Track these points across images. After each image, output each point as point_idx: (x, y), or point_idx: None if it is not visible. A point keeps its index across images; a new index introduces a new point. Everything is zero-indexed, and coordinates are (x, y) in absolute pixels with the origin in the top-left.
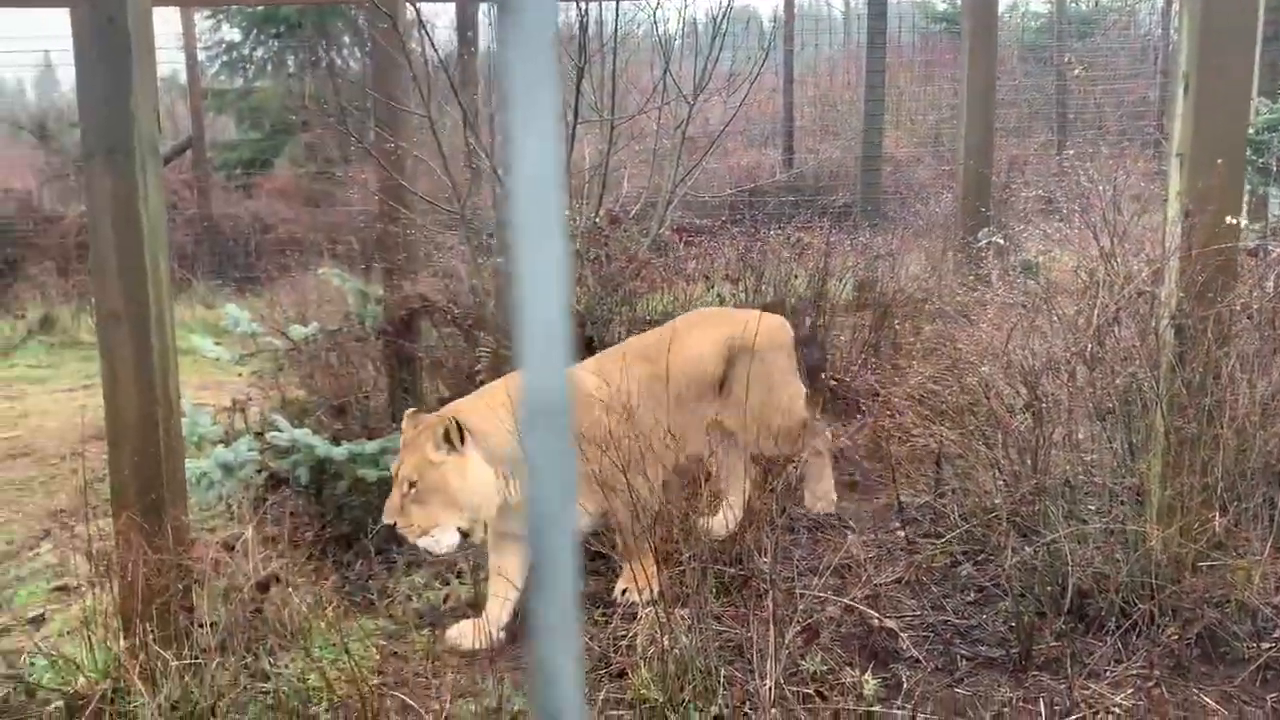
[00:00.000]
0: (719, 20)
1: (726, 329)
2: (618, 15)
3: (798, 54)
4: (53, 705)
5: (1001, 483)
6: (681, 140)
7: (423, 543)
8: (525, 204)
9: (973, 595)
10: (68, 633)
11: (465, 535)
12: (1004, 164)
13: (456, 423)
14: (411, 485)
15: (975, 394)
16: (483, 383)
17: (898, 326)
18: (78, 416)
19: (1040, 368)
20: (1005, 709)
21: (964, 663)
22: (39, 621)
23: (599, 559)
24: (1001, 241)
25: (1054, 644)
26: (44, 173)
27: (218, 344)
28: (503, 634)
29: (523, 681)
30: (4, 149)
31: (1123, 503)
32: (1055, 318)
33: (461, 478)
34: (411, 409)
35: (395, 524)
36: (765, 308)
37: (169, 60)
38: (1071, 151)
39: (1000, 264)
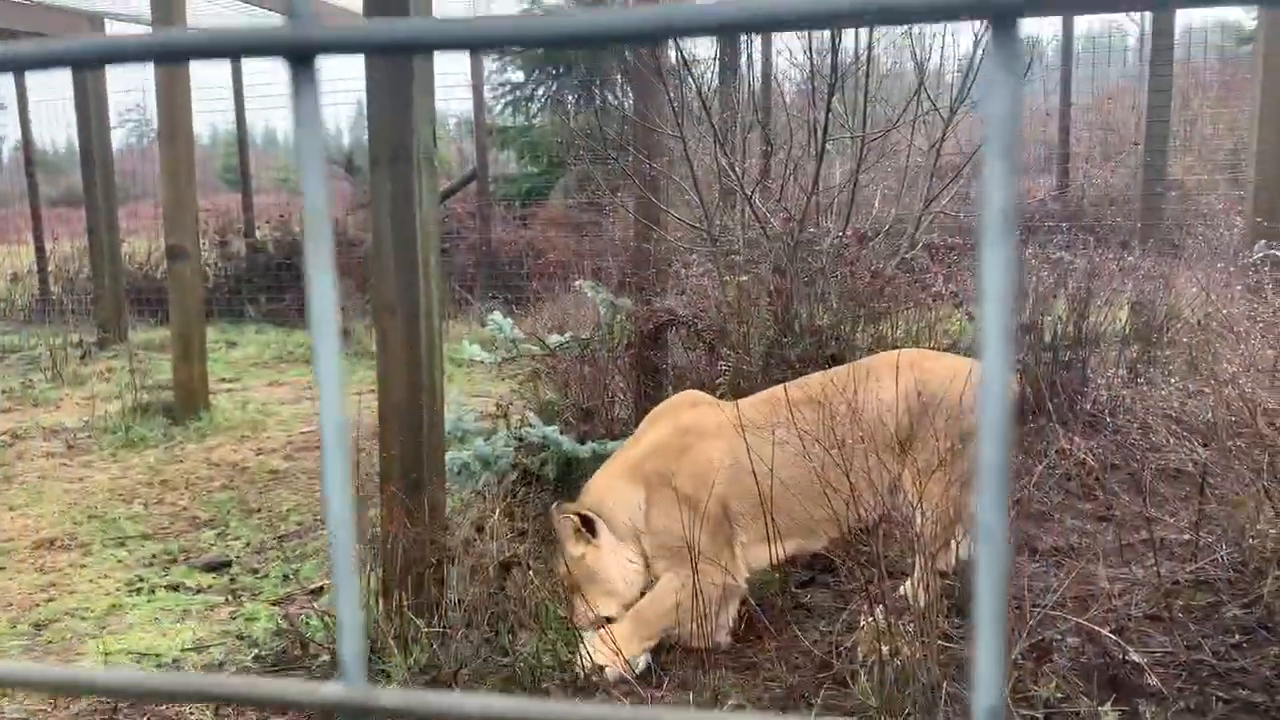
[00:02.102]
0: (979, 37)
1: (919, 375)
2: (872, 33)
3: (1083, 83)
4: (321, 658)
5: (1270, 510)
6: (935, 159)
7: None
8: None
9: (1237, 637)
10: None
11: (610, 620)
12: None
13: (581, 517)
14: (570, 580)
15: (1240, 412)
16: (722, 396)
17: (1154, 340)
18: (362, 416)
19: None
20: None
21: (1219, 705)
22: (318, 592)
23: (826, 570)
24: (1279, 254)
25: None
26: (350, 202)
27: (484, 350)
28: (728, 636)
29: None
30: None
31: None
32: None
33: (602, 566)
34: (556, 503)
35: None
36: (1021, 329)
37: (460, 97)
38: None
39: (1277, 276)
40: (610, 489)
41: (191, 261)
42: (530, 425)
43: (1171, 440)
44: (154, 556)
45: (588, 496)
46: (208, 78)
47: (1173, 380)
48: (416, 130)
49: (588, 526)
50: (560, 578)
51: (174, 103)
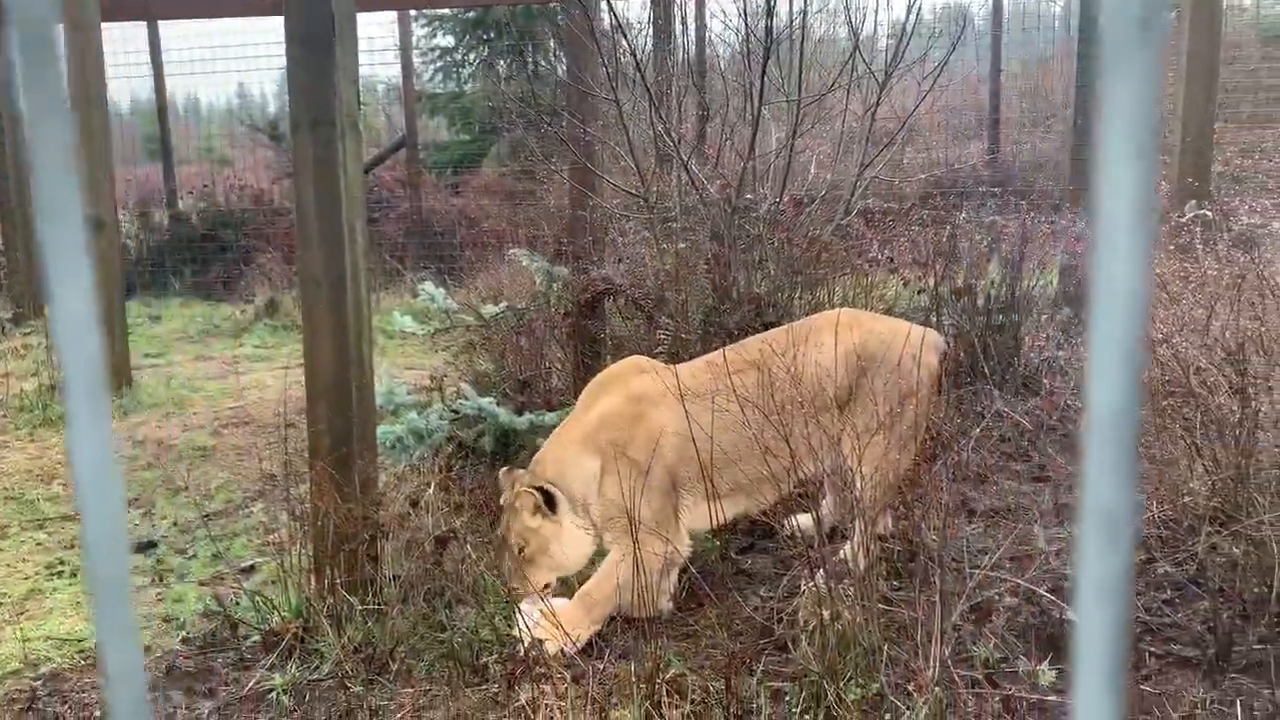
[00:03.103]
0: (913, 3)
1: (859, 335)
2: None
3: (1013, 49)
4: (251, 639)
5: (1201, 468)
6: (870, 124)
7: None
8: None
9: (1169, 593)
10: (272, 583)
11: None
12: (1234, 153)
13: (545, 493)
14: (521, 550)
15: (1172, 371)
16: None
17: (1086, 302)
18: (290, 390)
19: (1249, 344)
20: (1197, 710)
21: (1153, 660)
22: (249, 571)
23: (766, 536)
24: (1209, 215)
25: (1257, 646)
26: (275, 171)
27: (417, 322)
28: (670, 604)
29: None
30: (249, 152)
31: None
32: (1271, 293)
33: (559, 542)
34: (505, 468)
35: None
36: (956, 292)
37: (387, 62)
38: None
39: (1207, 236)
40: (566, 460)
41: (109, 232)
42: (465, 398)
43: None
44: (75, 538)
45: (544, 468)
46: (124, 41)
47: None
48: (340, 92)
49: (548, 501)
50: (508, 546)
51: (85, 68)
